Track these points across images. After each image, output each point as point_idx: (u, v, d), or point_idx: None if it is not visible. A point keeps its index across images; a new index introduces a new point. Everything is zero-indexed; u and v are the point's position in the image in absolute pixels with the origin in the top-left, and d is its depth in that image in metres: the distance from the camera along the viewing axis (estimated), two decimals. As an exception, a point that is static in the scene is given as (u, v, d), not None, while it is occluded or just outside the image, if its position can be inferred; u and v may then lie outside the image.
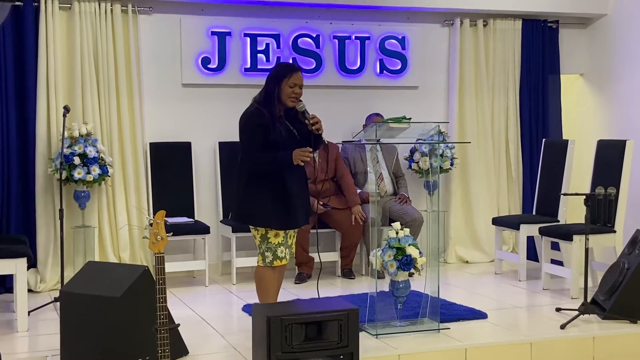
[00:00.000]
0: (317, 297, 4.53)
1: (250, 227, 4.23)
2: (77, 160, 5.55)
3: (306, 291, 5.52)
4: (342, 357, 3.80)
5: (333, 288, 5.80)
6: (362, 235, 6.14)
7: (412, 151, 6.65)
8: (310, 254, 6.00)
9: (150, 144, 6.16)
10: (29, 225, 5.78)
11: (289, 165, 4.07)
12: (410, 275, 4.47)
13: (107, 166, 5.73)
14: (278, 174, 4.12)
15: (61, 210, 5.27)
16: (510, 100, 7.02)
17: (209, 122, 6.35)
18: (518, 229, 6.06)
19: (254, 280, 4.33)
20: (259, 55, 6.38)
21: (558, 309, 4.99)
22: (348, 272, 6.19)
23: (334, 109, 6.51)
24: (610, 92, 7.10)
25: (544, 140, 6.53)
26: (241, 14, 6.39)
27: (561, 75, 7.25)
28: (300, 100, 4.21)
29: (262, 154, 4.10)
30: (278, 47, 6.45)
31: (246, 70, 6.36)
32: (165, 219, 3.39)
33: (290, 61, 6.40)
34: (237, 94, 6.17)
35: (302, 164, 4.08)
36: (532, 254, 6.48)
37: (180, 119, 6.32)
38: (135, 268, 3.96)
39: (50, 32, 5.78)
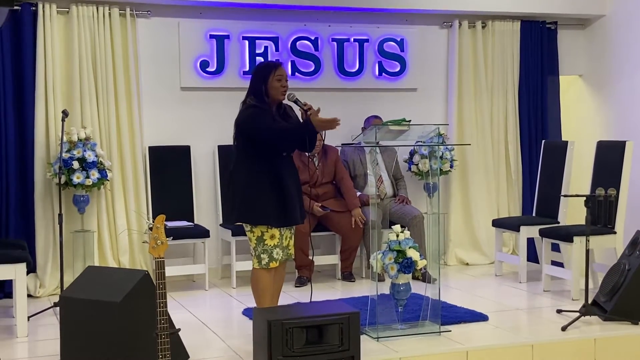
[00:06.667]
0: (310, 295, 4.52)
1: (246, 229, 4.23)
2: (76, 164, 5.54)
3: (306, 294, 5.50)
4: (343, 360, 3.79)
5: (333, 291, 5.79)
6: (362, 238, 6.14)
7: (412, 153, 6.64)
8: (310, 258, 5.99)
9: (149, 147, 6.15)
10: (28, 230, 5.77)
11: (312, 132, 4.06)
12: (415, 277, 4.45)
13: (106, 170, 5.72)
14: (299, 142, 4.15)
15: (60, 215, 5.26)
16: (510, 101, 7.02)
17: (208, 126, 6.34)
18: (518, 230, 6.05)
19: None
20: (257, 58, 6.36)
21: (559, 311, 4.98)
22: (348, 275, 6.18)
23: (332, 111, 6.44)
24: (609, 93, 7.10)
25: (543, 141, 6.52)
26: (239, 17, 6.38)
27: (560, 77, 7.25)
28: (291, 93, 4.23)
29: (284, 124, 4.11)
30: (277, 50, 6.44)
31: (245, 73, 6.34)
32: (165, 223, 3.38)
33: (289, 64, 6.41)
34: (236, 97, 6.02)
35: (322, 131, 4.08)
36: (532, 256, 6.47)
37: (179, 122, 6.31)
38: (135, 273, 3.94)
39: (48, 36, 5.78)
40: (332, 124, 4.06)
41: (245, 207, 4.16)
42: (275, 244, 4.18)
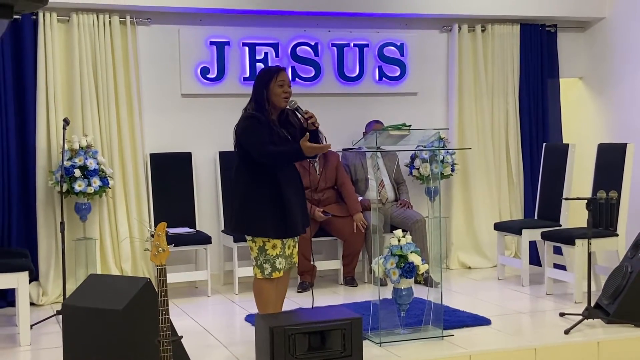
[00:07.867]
0: (312, 300, 4.51)
1: (247, 239, 4.21)
2: (77, 172, 5.55)
3: (308, 300, 5.49)
4: (346, 366, 3.80)
5: (336, 296, 5.79)
6: (364, 242, 6.14)
7: (413, 157, 6.64)
8: (312, 263, 5.99)
9: (151, 154, 6.16)
10: (30, 239, 5.77)
11: (302, 157, 4.06)
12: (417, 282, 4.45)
13: (108, 178, 5.73)
14: (292, 162, 4.17)
15: (62, 223, 5.27)
16: (510, 104, 7.02)
17: (209, 132, 6.35)
18: (520, 234, 6.05)
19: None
20: (257, 64, 6.37)
21: (562, 314, 4.98)
22: (350, 280, 6.18)
23: (333, 116, 6.50)
24: (609, 95, 7.10)
25: (544, 144, 6.52)
26: (239, 24, 6.40)
27: (560, 79, 7.24)
28: (292, 100, 4.20)
29: (275, 147, 4.06)
30: (277, 55, 6.45)
31: (245, 79, 6.35)
32: (167, 229, 3.38)
33: (289, 70, 6.42)
34: (236, 103, 6.06)
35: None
36: (535, 259, 6.46)
37: (180, 129, 6.32)
38: (136, 280, 3.94)
39: (49, 45, 5.79)
40: (322, 150, 4.07)
41: (245, 218, 4.13)
42: (278, 253, 4.15)
